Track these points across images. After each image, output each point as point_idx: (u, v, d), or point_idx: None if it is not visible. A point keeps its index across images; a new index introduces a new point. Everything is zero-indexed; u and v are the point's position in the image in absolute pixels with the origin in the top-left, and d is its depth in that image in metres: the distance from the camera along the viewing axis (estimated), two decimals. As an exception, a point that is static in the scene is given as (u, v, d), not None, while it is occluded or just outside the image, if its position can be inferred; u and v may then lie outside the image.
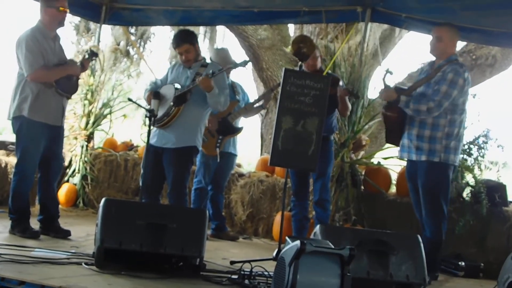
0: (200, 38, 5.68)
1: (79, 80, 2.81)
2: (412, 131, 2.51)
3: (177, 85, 2.65)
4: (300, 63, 2.74)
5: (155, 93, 2.71)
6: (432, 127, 2.48)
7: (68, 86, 2.65)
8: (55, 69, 2.60)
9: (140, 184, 2.71)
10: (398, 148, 2.67)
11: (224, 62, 3.21)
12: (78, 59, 4.49)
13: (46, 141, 2.62)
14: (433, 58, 2.62)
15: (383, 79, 2.58)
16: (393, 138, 2.62)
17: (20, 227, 2.58)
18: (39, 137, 2.60)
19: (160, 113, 2.62)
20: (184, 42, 2.72)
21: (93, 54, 2.72)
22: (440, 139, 2.48)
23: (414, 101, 2.45)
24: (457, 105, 2.50)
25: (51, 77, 2.59)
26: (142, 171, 2.73)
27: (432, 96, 2.46)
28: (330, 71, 3.15)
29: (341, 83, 2.86)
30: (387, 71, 2.60)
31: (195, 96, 2.63)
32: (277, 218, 3.31)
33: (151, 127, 2.58)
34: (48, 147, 2.64)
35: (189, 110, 2.62)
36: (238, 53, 4.94)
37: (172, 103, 2.58)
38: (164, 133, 2.63)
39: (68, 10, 2.64)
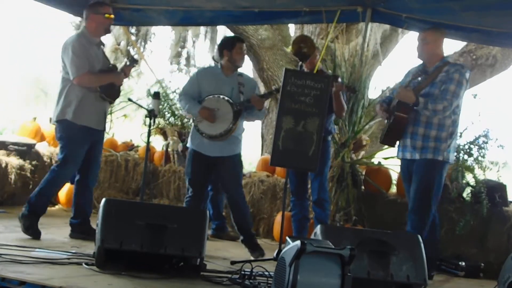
0: (201, 38, 5.71)
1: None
2: (417, 131, 2.52)
3: (226, 97, 2.66)
4: (300, 63, 2.74)
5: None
6: (438, 127, 2.50)
7: (112, 92, 2.70)
8: (101, 76, 2.66)
9: (190, 190, 2.73)
10: (396, 148, 2.66)
11: None
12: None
13: (89, 145, 2.68)
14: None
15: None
16: (391, 139, 2.61)
17: (27, 222, 2.59)
18: (83, 141, 2.65)
19: (217, 128, 2.64)
20: (244, 42, 2.81)
21: (134, 61, 2.78)
22: (445, 139, 2.50)
23: (432, 101, 2.46)
24: (458, 105, 2.53)
25: (96, 82, 2.64)
26: (188, 177, 2.74)
27: (443, 95, 2.47)
28: (330, 72, 3.15)
29: (339, 80, 2.86)
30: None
31: None
32: (278, 218, 3.31)
33: (201, 135, 2.64)
34: (89, 151, 2.69)
35: (240, 122, 2.73)
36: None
37: (232, 119, 2.64)
38: (217, 143, 2.68)
39: (113, 17, 2.72)
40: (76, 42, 2.61)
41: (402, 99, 2.50)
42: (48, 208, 3.70)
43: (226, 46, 2.76)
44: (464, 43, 4.82)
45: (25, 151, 3.69)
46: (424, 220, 2.50)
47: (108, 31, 2.74)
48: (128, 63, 2.75)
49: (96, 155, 2.75)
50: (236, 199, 2.72)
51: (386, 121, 2.65)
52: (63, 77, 2.64)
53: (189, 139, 2.79)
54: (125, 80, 3.45)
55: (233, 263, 2.35)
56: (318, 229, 2.11)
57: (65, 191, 3.88)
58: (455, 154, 3.08)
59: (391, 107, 2.59)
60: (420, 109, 2.48)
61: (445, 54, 2.63)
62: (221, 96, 2.68)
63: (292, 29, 4.91)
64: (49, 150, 3.92)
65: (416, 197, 2.52)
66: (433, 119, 2.49)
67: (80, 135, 2.62)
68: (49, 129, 4.04)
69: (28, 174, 3.67)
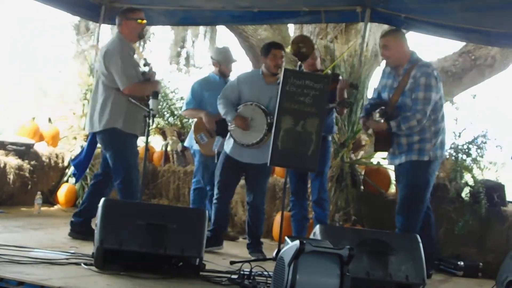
0: (200, 38, 5.71)
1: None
2: (401, 141, 2.53)
3: (262, 107, 2.67)
4: (299, 63, 2.74)
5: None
6: (419, 132, 2.50)
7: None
8: (147, 84, 2.64)
9: (216, 191, 2.78)
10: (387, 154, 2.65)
11: (225, 60, 3.20)
12: (78, 59, 4.46)
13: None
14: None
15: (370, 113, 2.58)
16: (383, 146, 2.61)
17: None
18: (134, 147, 2.69)
19: (250, 137, 2.66)
20: (283, 49, 2.77)
21: (148, 64, 2.75)
22: (429, 139, 2.51)
23: (403, 121, 2.47)
24: (436, 103, 2.51)
25: (144, 91, 2.62)
26: (216, 179, 2.78)
27: (414, 106, 2.47)
28: (329, 71, 3.16)
29: (340, 77, 2.88)
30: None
31: None
32: (277, 218, 3.31)
33: (235, 141, 2.65)
34: None
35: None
36: (238, 53, 4.95)
37: (265, 130, 2.65)
38: (250, 150, 2.69)
39: (145, 22, 2.68)
40: (123, 50, 2.58)
41: (375, 130, 2.53)
42: (47, 208, 3.73)
43: (263, 52, 2.76)
44: (463, 44, 4.84)
45: (24, 151, 3.68)
46: (411, 221, 2.49)
47: (141, 36, 2.71)
48: (151, 68, 2.72)
49: None
50: (257, 205, 2.76)
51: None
52: (106, 85, 2.59)
53: (225, 143, 2.81)
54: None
55: (232, 263, 2.35)
56: (317, 229, 2.11)
57: (63, 191, 3.88)
58: (454, 154, 3.10)
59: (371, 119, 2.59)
60: (396, 131, 2.49)
61: (412, 50, 2.58)
62: (258, 105, 2.68)
63: (292, 29, 4.91)
64: (48, 150, 3.91)
65: (402, 199, 2.52)
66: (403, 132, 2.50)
67: (130, 143, 2.64)
68: (48, 129, 4.04)
69: (27, 174, 3.66)
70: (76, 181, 2.88)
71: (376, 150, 2.72)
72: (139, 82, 2.61)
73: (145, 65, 2.72)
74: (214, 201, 2.80)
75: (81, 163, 2.89)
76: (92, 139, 2.83)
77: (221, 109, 2.76)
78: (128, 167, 2.61)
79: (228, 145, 2.76)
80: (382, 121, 2.51)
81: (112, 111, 2.59)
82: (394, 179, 2.76)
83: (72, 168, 3.94)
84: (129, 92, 2.56)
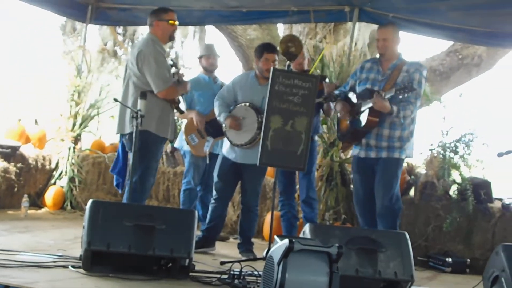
0: (189, 38, 5.68)
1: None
2: (382, 133, 2.53)
3: (254, 106, 2.67)
4: (288, 62, 2.75)
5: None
6: (402, 127, 2.53)
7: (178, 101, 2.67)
8: (179, 87, 2.58)
9: (214, 192, 2.79)
10: (358, 146, 2.59)
11: (207, 52, 3.19)
12: (65, 59, 4.38)
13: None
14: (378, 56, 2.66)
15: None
16: (356, 138, 2.58)
17: None
18: (160, 152, 2.63)
19: (243, 137, 2.67)
20: (276, 53, 2.73)
21: (175, 65, 2.69)
22: (407, 138, 2.56)
23: (402, 108, 2.50)
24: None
25: (177, 94, 2.57)
26: (215, 180, 2.78)
27: (407, 98, 2.49)
28: (318, 71, 3.17)
29: (327, 80, 2.89)
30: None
31: None
32: (268, 218, 3.31)
33: (230, 142, 2.66)
34: None
35: None
36: (227, 53, 4.94)
37: (256, 129, 2.65)
38: (244, 150, 2.70)
39: (177, 23, 2.59)
40: (157, 52, 2.50)
41: (378, 109, 2.49)
42: (34, 211, 3.67)
43: (256, 54, 2.79)
44: (450, 43, 4.90)
45: (10, 153, 3.62)
46: (393, 221, 2.51)
47: (172, 38, 2.64)
48: (179, 70, 2.66)
49: None
50: (250, 206, 2.79)
51: (348, 121, 2.61)
52: (138, 86, 2.49)
53: (223, 145, 2.81)
54: (112, 81, 3.35)
55: (222, 263, 2.35)
56: (307, 227, 2.11)
57: (51, 194, 3.82)
58: (442, 152, 3.14)
59: (356, 108, 2.57)
60: (393, 116, 2.51)
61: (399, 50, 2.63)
62: (250, 105, 2.69)
63: (281, 29, 4.92)
64: (34, 152, 3.85)
65: (383, 199, 2.50)
66: (396, 121, 2.53)
67: (160, 147, 2.58)
68: (34, 131, 3.97)
69: (13, 177, 3.60)
70: (121, 189, 2.77)
71: (346, 141, 2.65)
72: (173, 85, 2.53)
73: (172, 66, 2.64)
74: (212, 201, 2.80)
75: (122, 170, 2.78)
76: (124, 143, 2.70)
77: (216, 111, 2.78)
78: (146, 170, 2.52)
79: (225, 146, 2.78)
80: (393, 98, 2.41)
81: (145, 113, 2.45)
82: (358, 171, 2.61)
83: (59, 170, 3.90)
84: (164, 96, 2.49)
